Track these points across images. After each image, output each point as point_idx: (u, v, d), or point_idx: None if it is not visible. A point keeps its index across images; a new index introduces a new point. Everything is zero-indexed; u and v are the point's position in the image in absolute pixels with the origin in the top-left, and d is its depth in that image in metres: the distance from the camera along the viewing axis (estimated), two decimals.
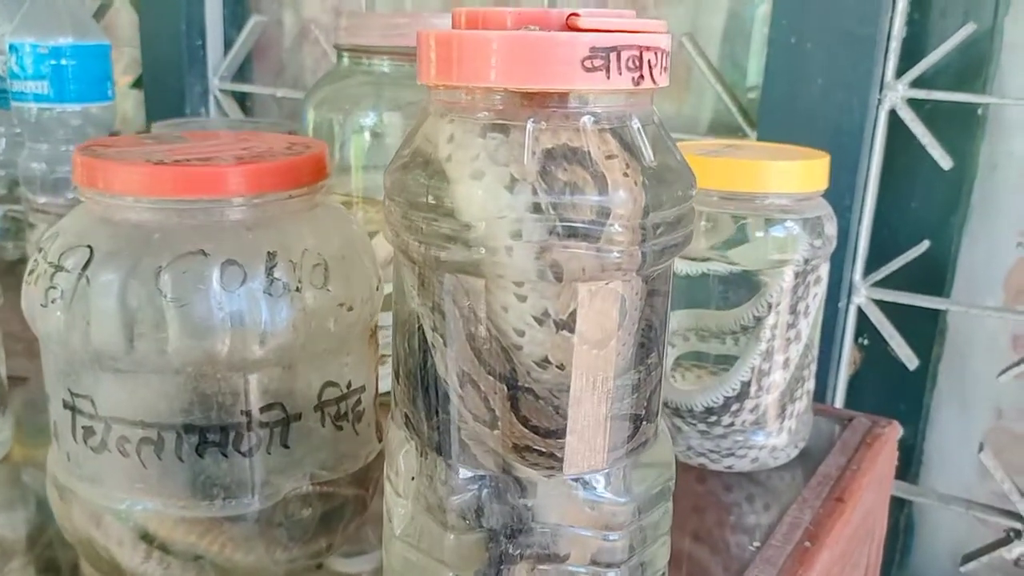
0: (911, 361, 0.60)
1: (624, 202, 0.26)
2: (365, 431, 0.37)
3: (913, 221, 0.60)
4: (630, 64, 0.26)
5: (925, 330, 0.62)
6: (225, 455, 0.33)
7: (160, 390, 0.32)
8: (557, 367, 0.28)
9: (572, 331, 0.28)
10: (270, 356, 0.32)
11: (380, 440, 0.38)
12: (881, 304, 0.61)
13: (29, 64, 0.61)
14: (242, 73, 0.82)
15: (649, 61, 0.27)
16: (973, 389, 0.64)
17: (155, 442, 0.32)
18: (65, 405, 0.33)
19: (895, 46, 0.57)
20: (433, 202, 0.27)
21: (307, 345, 0.33)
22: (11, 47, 0.61)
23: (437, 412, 0.29)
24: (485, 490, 0.29)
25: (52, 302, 0.32)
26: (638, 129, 0.27)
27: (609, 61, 0.26)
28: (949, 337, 0.63)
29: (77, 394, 0.33)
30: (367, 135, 0.48)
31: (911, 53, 0.58)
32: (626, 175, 0.27)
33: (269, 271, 0.32)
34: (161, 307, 0.31)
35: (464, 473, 0.29)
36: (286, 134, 0.40)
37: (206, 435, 0.32)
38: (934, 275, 0.61)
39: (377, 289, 0.36)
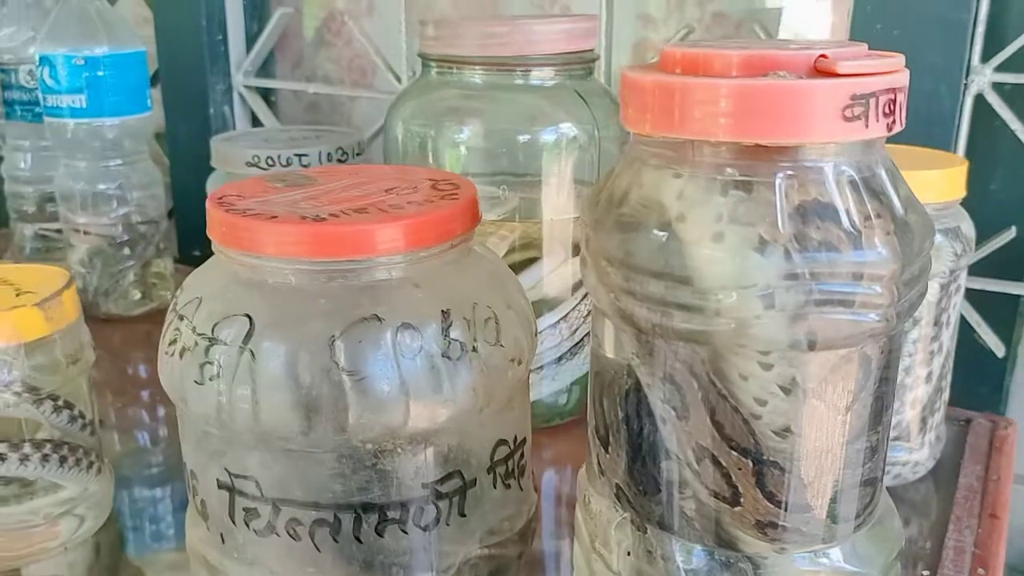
0: (999, 349, 0.59)
1: (884, 261, 0.24)
2: (527, 485, 0.35)
3: (994, 206, 0.59)
4: (886, 109, 0.24)
5: (1005, 314, 0.61)
6: (405, 532, 0.30)
7: (336, 468, 0.30)
8: (798, 436, 0.26)
9: (820, 398, 0.25)
10: (451, 424, 0.30)
11: (536, 490, 0.36)
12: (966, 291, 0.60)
13: (63, 77, 0.56)
14: (265, 68, 0.78)
15: (901, 103, 0.25)
16: None
17: (331, 524, 0.30)
18: (221, 485, 0.31)
19: (981, 29, 0.55)
20: (663, 267, 0.25)
21: (485, 407, 0.31)
22: (42, 59, 0.57)
23: (662, 486, 0.27)
24: (717, 569, 0.27)
25: (209, 379, 0.29)
26: (886, 178, 0.25)
27: (869, 108, 0.24)
28: None
29: (237, 475, 0.30)
30: (463, 149, 0.45)
31: (989, 35, 0.56)
32: (881, 230, 0.25)
33: (445, 331, 0.30)
34: (340, 381, 0.28)
35: (692, 551, 0.27)
36: (425, 169, 0.37)
37: (386, 513, 0.30)
38: (1016, 258, 0.60)
39: (535, 335, 0.34)
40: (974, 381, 0.62)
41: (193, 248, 0.71)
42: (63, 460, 0.39)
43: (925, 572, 0.37)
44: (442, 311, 0.30)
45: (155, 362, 0.59)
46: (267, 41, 0.75)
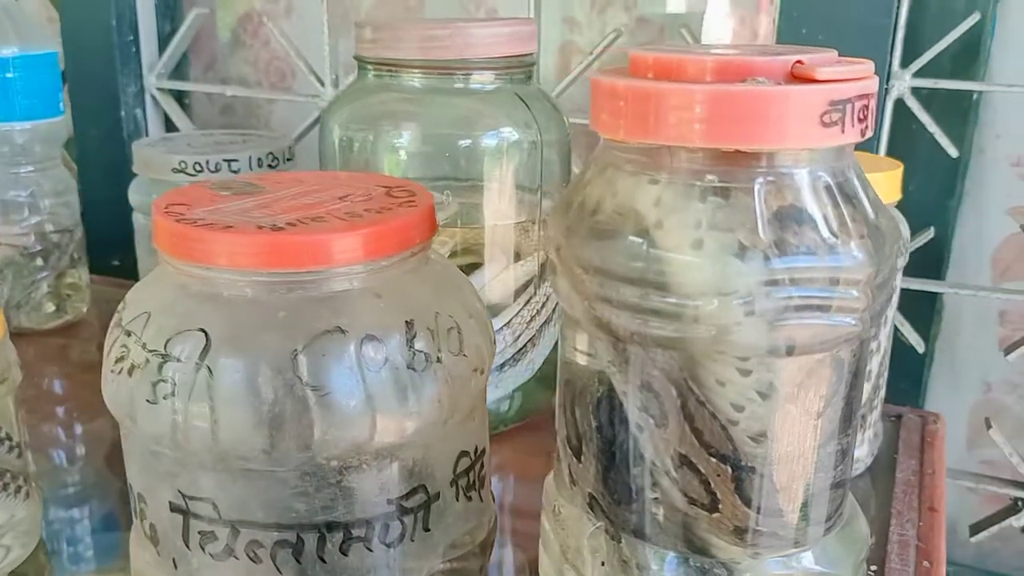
0: (919, 345, 0.61)
1: (859, 265, 0.25)
2: (486, 496, 0.34)
3: (913, 207, 0.60)
4: (860, 115, 0.24)
5: (924, 312, 0.63)
6: (370, 549, 0.29)
7: (299, 487, 0.28)
8: (773, 441, 0.26)
9: (795, 403, 0.26)
10: (416, 437, 0.29)
11: (493, 500, 0.36)
12: None
13: None
14: (178, 70, 0.75)
15: (872, 109, 0.25)
16: (964, 364, 0.65)
17: (293, 544, 0.29)
18: (174, 508, 0.29)
19: (900, 35, 0.56)
20: (641, 275, 0.25)
21: (450, 419, 0.30)
22: None
23: (637, 494, 0.27)
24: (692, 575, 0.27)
25: (164, 398, 0.28)
26: (857, 183, 0.26)
27: (845, 114, 0.24)
28: (945, 316, 0.64)
29: (192, 497, 0.29)
30: (402, 154, 0.45)
31: (907, 41, 0.58)
32: (856, 234, 0.25)
33: (410, 342, 0.29)
34: (304, 396, 0.27)
35: (667, 558, 0.27)
36: (370, 175, 0.36)
37: (351, 531, 0.29)
38: (933, 257, 0.62)
39: (494, 343, 0.33)
40: (896, 376, 0.64)
41: (108, 258, 0.68)
42: None
43: (873, 568, 0.38)
44: (406, 322, 0.29)
45: (72, 377, 0.57)
46: (181, 42, 0.72)
